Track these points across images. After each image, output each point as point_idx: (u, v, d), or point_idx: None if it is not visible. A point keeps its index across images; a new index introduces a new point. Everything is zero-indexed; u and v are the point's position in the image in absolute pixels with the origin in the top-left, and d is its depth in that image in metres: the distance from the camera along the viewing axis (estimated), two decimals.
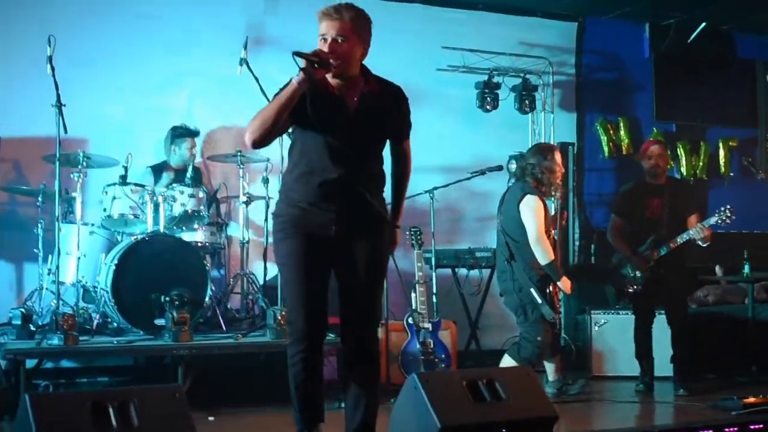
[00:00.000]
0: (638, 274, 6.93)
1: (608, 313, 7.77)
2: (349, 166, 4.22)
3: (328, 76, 4.20)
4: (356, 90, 4.26)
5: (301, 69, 4.04)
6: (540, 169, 6.36)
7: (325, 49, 4.12)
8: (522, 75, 8.83)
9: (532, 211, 6.27)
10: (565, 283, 6.32)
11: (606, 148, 9.40)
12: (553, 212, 6.93)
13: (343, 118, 4.22)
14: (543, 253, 6.21)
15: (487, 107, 8.66)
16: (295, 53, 4.04)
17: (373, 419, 4.46)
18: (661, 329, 7.04)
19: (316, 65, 4.05)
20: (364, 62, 4.35)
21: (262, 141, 4.18)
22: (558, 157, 6.49)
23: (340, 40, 4.14)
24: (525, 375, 4.85)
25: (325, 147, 4.21)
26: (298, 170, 4.28)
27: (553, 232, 6.50)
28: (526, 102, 8.80)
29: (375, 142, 4.36)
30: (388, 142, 4.45)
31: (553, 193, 6.53)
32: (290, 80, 4.09)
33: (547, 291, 6.26)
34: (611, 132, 9.42)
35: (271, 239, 7.07)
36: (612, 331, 7.72)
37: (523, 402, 4.56)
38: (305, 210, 4.24)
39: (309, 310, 4.25)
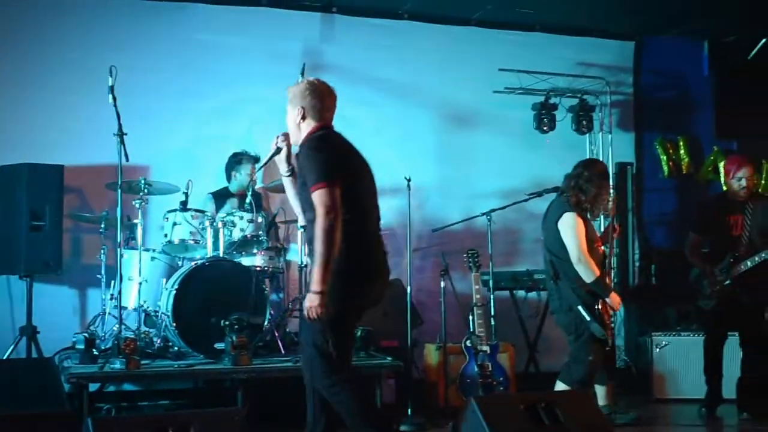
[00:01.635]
0: (713, 291, 6.81)
1: (670, 335, 7.68)
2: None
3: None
4: None
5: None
6: (585, 189, 6.11)
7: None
8: (579, 95, 8.79)
9: (570, 229, 6.02)
10: (614, 300, 6.06)
11: (666, 168, 9.30)
12: (603, 227, 6.75)
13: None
14: (587, 272, 5.97)
15: (544, 128, 8.62)
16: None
17: None
18: (727, 351, 6.93)
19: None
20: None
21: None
22: (607, 181, 6.31)
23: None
24: (584, 398, 4.85)
25: None
26: None
27: (602, 247, 6.27)
28: (584, 122, 8.75)
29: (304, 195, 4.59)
30: None
31: (595, 216, 6.28)
32: None
33: (596, 308, 5.99)
34: (671, 151, 9.32)
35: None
36: (674, 353, 7.62)
37: (583, 426, 4.54)
38: None
39: None
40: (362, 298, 4.61)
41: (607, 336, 5.98)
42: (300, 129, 4.69)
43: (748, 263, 6.69)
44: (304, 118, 4.67)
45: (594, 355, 5.99)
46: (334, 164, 4.48)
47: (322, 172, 4.42)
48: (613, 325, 6.22)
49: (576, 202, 6.11)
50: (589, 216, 6.15)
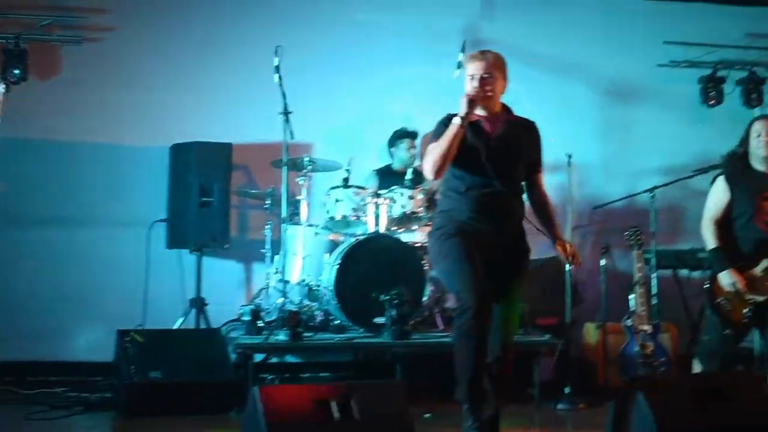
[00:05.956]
0: None
1: None
2: (499, 184, 4.76)
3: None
4: (499, 120, 4.85)
5: (461, 117, 4.66)
6: (740, 144, 5.71)
7: (476, 85, 4.75)
8: (749, 68, 8.47)
9: (709, 196, 5.73)
10: (723, 278, 5.49)
11: None
12: None
13: (485, 144, 4.78)
14: (705, 240, 5.64)
15: (711, 102, 8.37)
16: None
17: None
18: None
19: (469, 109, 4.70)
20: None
21: (440, 173, 4.77)
22: (759, 127, 5.63)
23: (486, 77, 4.77)
24: (752, 380, 4.70)
25: (477, 168, 4.76)
26: (454, 189, 4.81)
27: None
28: (753, 96, 8.42)
29: (515, 167, 4.87)
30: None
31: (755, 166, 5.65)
32: (452, 122, 4.69)
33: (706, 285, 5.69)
34: None
35: None
36: None
37: (751, 407, 4.39)
38: (466, 223, 4.75)
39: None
40: None
41: (724, 316, 5.53)
42: (497, 100, 4.88)
43: None
44: (502, 93, 4.91)
45: (709, 335, 5.71)
46: None
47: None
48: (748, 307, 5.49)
49: (725, 164, 5.80)
50: (754, 166, 5.62)
